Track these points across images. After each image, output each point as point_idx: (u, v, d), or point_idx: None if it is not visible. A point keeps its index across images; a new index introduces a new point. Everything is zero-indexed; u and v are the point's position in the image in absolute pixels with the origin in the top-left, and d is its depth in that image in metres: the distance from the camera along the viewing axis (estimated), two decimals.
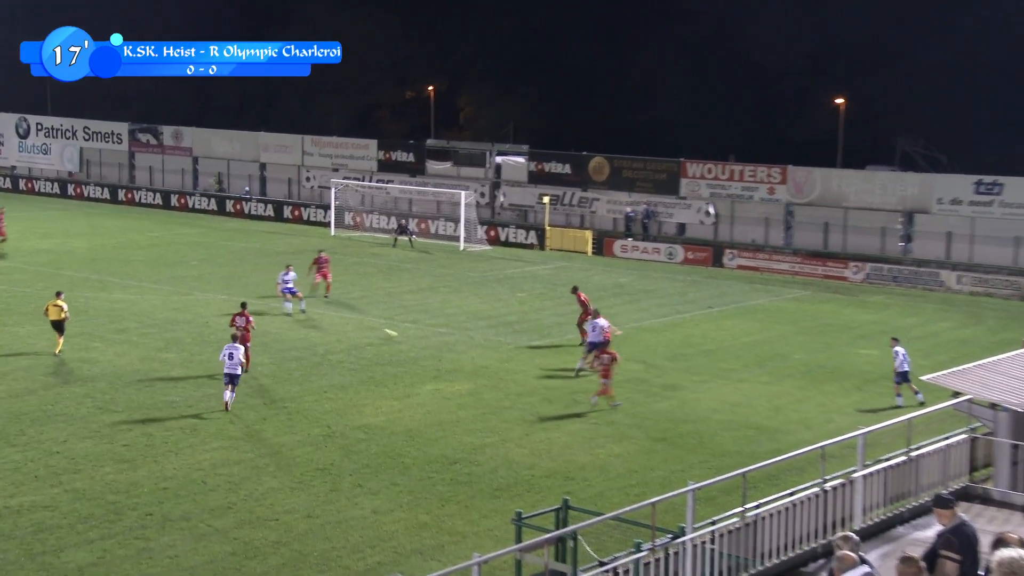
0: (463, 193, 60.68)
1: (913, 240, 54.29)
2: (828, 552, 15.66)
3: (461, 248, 58.64)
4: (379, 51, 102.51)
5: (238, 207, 70.11)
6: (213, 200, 71.34)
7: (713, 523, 16.55)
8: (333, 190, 64.74)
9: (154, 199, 73.54)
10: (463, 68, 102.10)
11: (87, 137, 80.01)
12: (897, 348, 31.15)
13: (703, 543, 15.55)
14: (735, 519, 16.40)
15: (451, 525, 21.90)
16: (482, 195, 65.26)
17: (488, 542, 20.78)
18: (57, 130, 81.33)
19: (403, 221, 61.22)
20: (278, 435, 27.01)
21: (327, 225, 63.96)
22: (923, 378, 21.59)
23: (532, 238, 60.70)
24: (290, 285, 40.24)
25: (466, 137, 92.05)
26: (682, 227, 59.72)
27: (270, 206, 69.22)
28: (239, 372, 28.89)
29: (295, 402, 29.70)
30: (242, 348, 29.56)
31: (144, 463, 24.77)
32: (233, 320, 32.53)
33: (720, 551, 15.68)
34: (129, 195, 74.73)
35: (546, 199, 62.00)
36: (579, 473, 24.95)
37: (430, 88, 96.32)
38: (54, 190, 78.09)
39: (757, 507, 16.91)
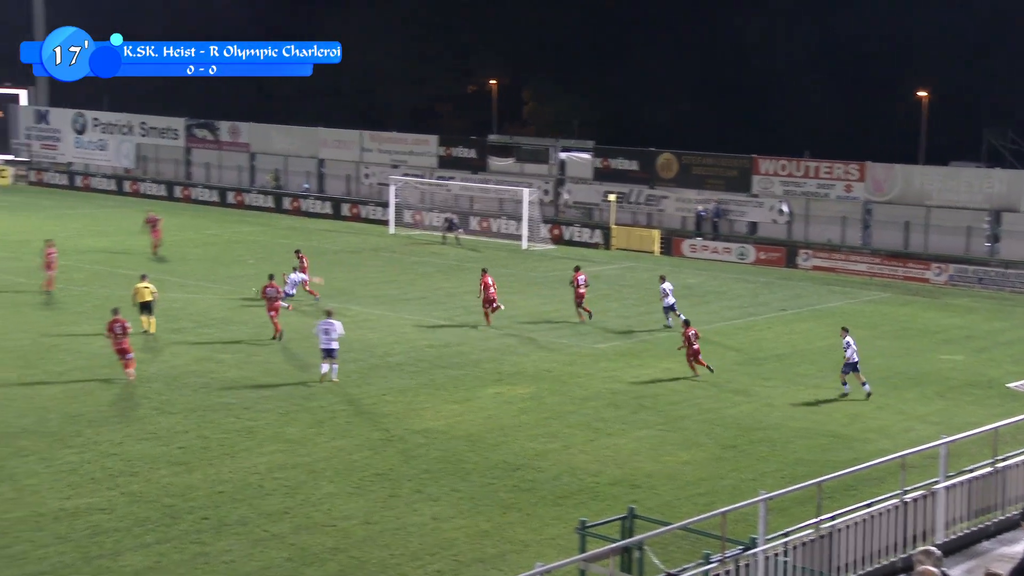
0: (526, 191, 60.14)
1: (1000, 240, 52.62)
2: (908, 567, 15.37)
3: (524, 247, 58.11)
4: (440, 43, 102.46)
5: (296, 204, 70.06)
6: (270, 197, 71.33)
7: (786, 535, 16.27)
8: (392, 187, 64.41)
9: (210, 196, 73.61)
10: (527, 61, 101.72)
11: (144, 133, 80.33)
12: (847, 339, 31.26)
13: (776, 555, 15.32)
14: (809, 531, 16.16)
15: (513, 533, 21.53)
16: (545, 192, 64.65)
17: (551, 551, 20.37)
18: (114, 126, 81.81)
19: (450, 216, 60.75)
20: (335, 439, 26.66)
21: (386, 223, 63.66)
22: (1009, 385, 20.88)
23: (597, 237, 59.99)
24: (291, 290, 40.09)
25: (529, 132, 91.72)
26: (754, 226, 58.68)
27: (328, 203, 69.06)
28: (336, 346, 30.87)
29: (353, 405, 29.38)
30: (337, 323, 31.26)
31: (200, 466, 24.58)
32: (264, 291, 36.02)
33: (793, 564, 15.46)
34: (186, 192, 74.92)
35: (612, 197, 61.23)
36: (646, 481, 24.42)
37: (492, 82, 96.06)
38: (110, 187, 78.34)
39: (833, 519, 16.60)
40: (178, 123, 78.90)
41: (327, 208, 68.76)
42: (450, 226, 59.31)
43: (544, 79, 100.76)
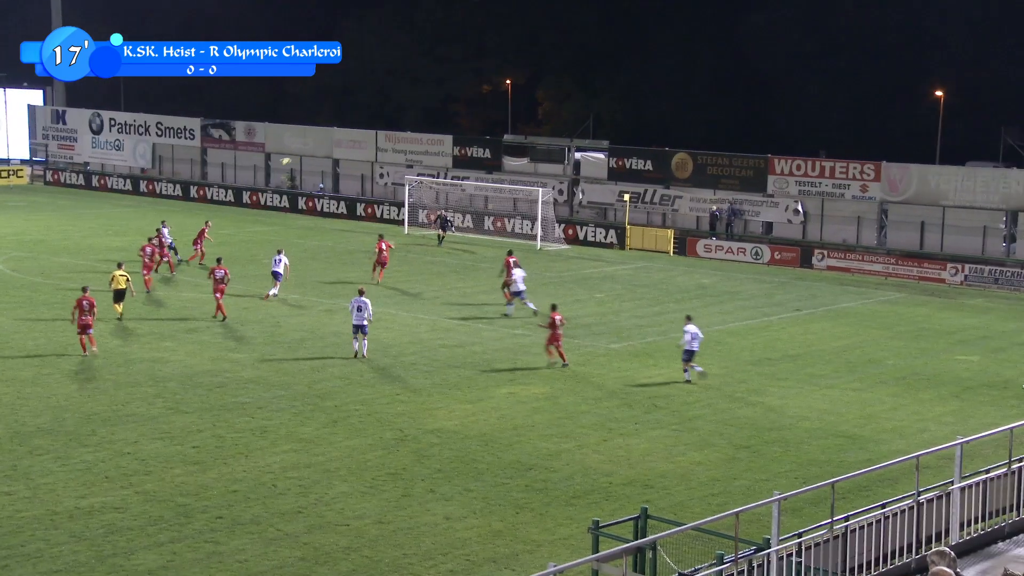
0: (541, 190, 60.14)
1: (1016, 240, 52.43)
2: (922, 568, 15.26)
3: (538, 247, 58.10)
4: (455, 43, 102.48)
5: (311, 204, 70.16)
6: (285, 197, 71.45)
7: (799, 535, 16.30)
8: (407, 187, 64.46)
9: (226, 196, 73.73)
10: (542, 61, 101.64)
11: (160, 133, 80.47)
12: (688, 327, 32.06)
13: (789, 556, 15.31)
14: (823, 532, 16.16)
15: (526, 533, 21.53)
16: (560, 192, 64.65)
17: (564, 551, 20.40)
18: (130, 126, 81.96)
19: (443, 214, 60.56)
20: (349, 438, 26.67)
21: (401, 223, 63.72)
22: None
23: (612, 237, 59.94)
24: (279, 269, 42.19)
25: (544, 132, 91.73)
26: (769, 226, 58.56)
27: (343, 203, 69.14)
28: (367, 323, 33.22)
29: (366, 405, 29.38)
30: (369, 303, 33.29)
31: (214, 465, 24.62)
32: (212, 272, 38.43)
33: (807, 565, 15.43)
34: (201, 192, 75.00)
35: (626, 197, 61.22)
36: (659, 481, 24.38)
37: (507, 82, 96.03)
38: (126, 187, 78.55)
39: (846, 519, 16.64)
40: (194, 123, 79.04)
41: (342, 208, 68.86)
42: (443, 224, 59.04)
43: (559, 79, 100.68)
